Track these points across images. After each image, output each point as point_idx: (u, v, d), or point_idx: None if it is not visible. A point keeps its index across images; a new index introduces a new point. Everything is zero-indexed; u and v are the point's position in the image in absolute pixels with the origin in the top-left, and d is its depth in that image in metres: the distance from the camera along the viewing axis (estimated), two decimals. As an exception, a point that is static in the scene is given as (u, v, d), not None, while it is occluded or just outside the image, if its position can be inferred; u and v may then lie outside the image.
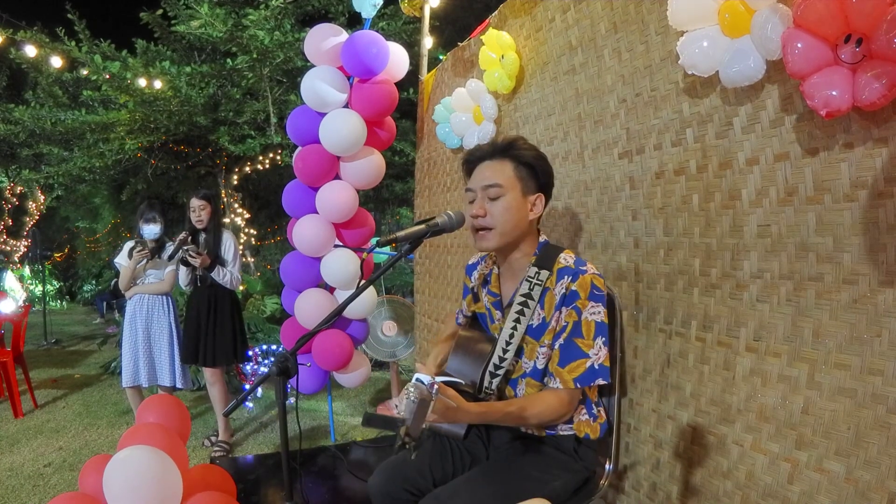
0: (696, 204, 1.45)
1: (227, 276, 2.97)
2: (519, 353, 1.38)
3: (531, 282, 1.33)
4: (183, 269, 2.97)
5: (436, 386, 1.05)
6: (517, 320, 1.34)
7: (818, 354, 1.16)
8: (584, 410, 1.40)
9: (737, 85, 1.27)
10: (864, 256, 1.08)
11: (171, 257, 2.96)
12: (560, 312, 1.31)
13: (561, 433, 1.39)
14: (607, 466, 1.51)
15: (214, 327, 2.97)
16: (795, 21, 1.07)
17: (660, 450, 1.57)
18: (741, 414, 1.33)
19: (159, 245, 3.06)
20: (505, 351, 1.35)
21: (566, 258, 1.34)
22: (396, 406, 3.76)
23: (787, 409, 1.22)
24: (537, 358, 1.35)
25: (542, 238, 1.42)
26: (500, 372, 1.36)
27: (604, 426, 1.42)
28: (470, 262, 1.61)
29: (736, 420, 1.34)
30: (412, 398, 1.04)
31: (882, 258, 1.05)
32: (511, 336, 1.34)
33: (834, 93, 1.01)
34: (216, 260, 2.95)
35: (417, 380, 1.12)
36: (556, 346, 1.31)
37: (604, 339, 1.29)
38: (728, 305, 1.36)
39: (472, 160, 1.41)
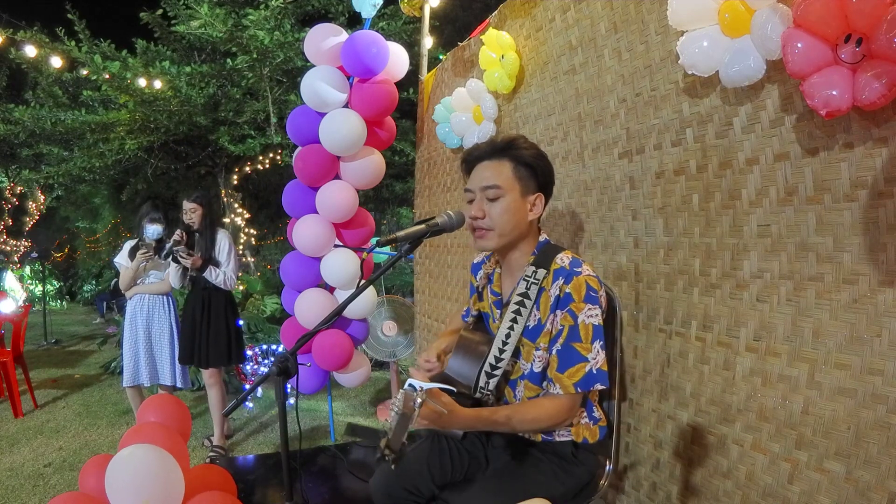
0: (696, 204, 1.45)
1: (219, 276, 2.96)
2: (517, 353, 1.37)
3: (528, 281, 1.32)
4: (174, 268, 2.97)
5: (419, 399, 1.03)
6: (514, 320, 1.32)
7: (818, 354, 1.16)
8: (585, 414, 1.39)
9: (737, 85, 1.27)
10: (864, 256, 1.08)
11: (166, 256, 2.97)
12: (555, 315, 1.29)
13: (558, 439, 1.38)
14: (607, 466, 1.51)
15: (208, 329, 2.97)
16: (795, 21, 1.07)
17: (660, 450, 1.57)
18: (741, 414, 1.33)
19: (160, 245, 3.06)
20: (501, 351, 1.33)
21: (563, 258, 1.32)
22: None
23: (787, 409, 1.22)
24: (533, 361, 1.33)
25: (543, 237, 1.40)
26: (498, 372, 1.34)
27: (603, 429, 1.40)
28: (475, 261, 1.61)
29: (736, 420, 1.34)
30: (396, 410, 1.03)
31: (882, 258, 1.05)
32: (507, 336, 1.33)
33: (834, 92, 1.01)
34: (208, 261, 2.95)
35: (409, 385, 1.11)
36: (554, 352, 1.29)
37: (601, 342, 1.27)
38: (728, 305, 1.36)
39: (470, 159, 1.39)
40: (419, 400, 1.03)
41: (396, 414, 1.01)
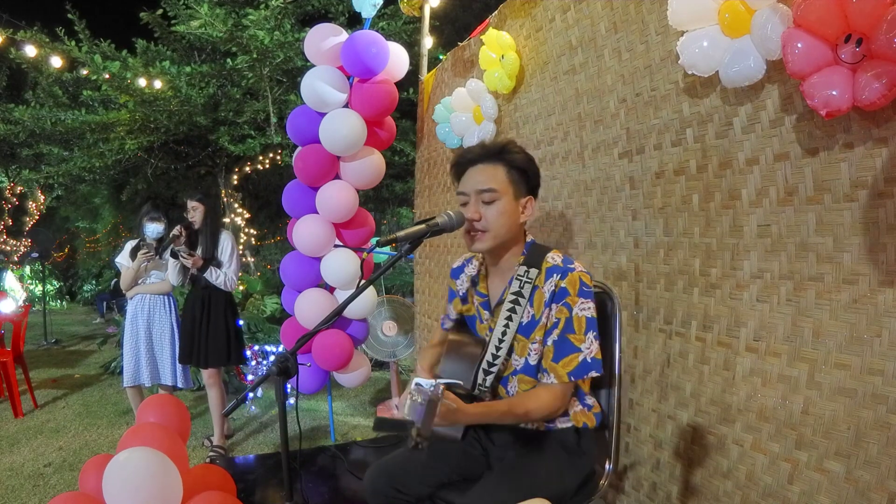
0: (696, 204, 1.45)
1: (220, 277, 2.96)
2: (509, 351, 1.39)
3: (521, 280, 1.36)
4: (172, 264, 2.96)
5: (441, 387, 1.08)
6: (509, 318, 1.36)
7: (818, 354, 1.16)
8: (578, 402, 1.43)
9: (737, 85, 1.27)
10: (864, 256, 1.08)
11: (164, 249, 2.97)
12: (550, 309, 1.34)
13: (560, 426, 1.41)
14: (607, 466, 1.51)
15: (207, 329, 2.96)
16: (795, 21, 1.07)
17: (660, 450, 1.57)
18: (741, 414, 1.33)
19: (161, 244, 3.06)
20: (498, 349, 1.37)
21: (554, 257, 1.37)
22: (397, 407, 3.75)
23: (787, 409, 1.22)
24: (529, 354, 1.37)
25: (529, 238, 1.45)
26: (494, 369, 1.38)
27: (598, 416, 1.45)
28: (455, 266, 1.61)
29: (736, 420, 1.34)
30: (419, 400, 1.06)
31: (882, 258, 1.05)
32: (503, 334, 1.36)
33: (834, 93, 1.01)
34: (210, 261, 2.95)
35: (417, 384, 1.13)
36: (550, 343, 1.33)
37: (595, 333, 1.32)
38: (728, 305, 1.36)
39: (462, 162, 1.42)
40: (441, 387, 1.08)
41: (421, 404, 1.05)
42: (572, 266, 1.33)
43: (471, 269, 1.56)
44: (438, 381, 1.15)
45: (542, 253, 1.38)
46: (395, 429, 1.24)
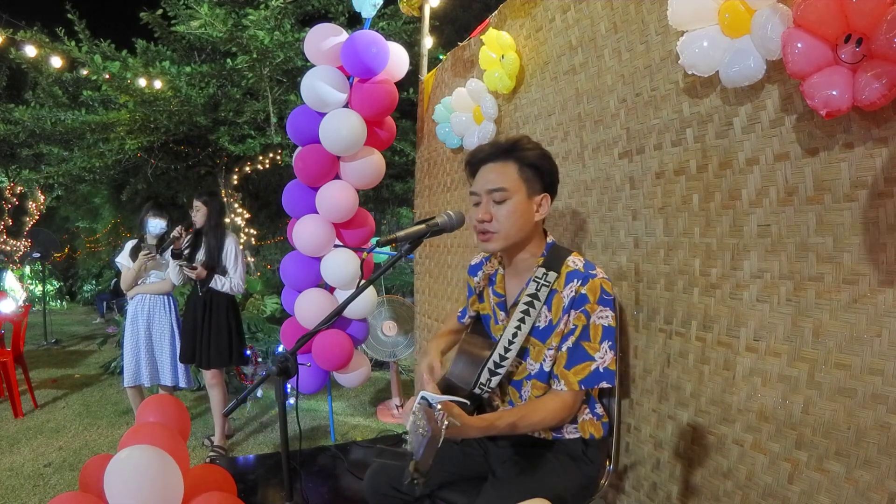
0: (696, 204, 1.45)
1: (226, 284, 2.96)
2: (523, 354, 1.37)
3: (538, 282, 1.32)
4: (173, 264, 2.96)
5: (446, 422, 1.03)
6: (522, 320, 1.33)
7: (818, 354, 1.16)
8: (588, 410, 1.40)
9: (737, 85, 1.27)
10: (864, 256, 1.08)
11: (163, 249, 2.96)
12: (569, 315, 1.30)
13: (567, 436, 1.39)
14: (607, 466, 1.51)
15: (210, 329, 2.97)
16: (795, 21, 1.07)
17: (660, 450, 1.57)
18: (741, 414, 1.33)
19: (162, 242, 3.06)
20: (507, 349, 1.34)
21: (575, 261, 1.33)
22: (397, 408, 3.74)
23: (787, 409, 1.22)
24: (544, 360, 1.34)
25: (550, 239, 1.40)
26: (501, 371, 1.35)
27: (605, 425, 1.43)
28: (473, 263, 1.60)
29: (736, 420, 1.34)
30: (421, 431, 1.02)
31: (882, 258, 1.05)
32: (514, 335, 1.33)
33: (834, 93, 1.01)
34: (213, 270, 2.95)
35: (423, 398, 1.11)
36: (564, 349, 1.30)
37: (610, 343, 1.29)
38: (728, 305, 1.36)
39: (474, 162, 1.39)
40: (446, 422, 1.04)
41: (423, 436, 1.01)
42: (594, 272, 1.30)
43: (488, 268, 1.53)
44: (440, 398, 1.12)
45: (562, 256, 1.34)
46: (395, 459, 1.21)
